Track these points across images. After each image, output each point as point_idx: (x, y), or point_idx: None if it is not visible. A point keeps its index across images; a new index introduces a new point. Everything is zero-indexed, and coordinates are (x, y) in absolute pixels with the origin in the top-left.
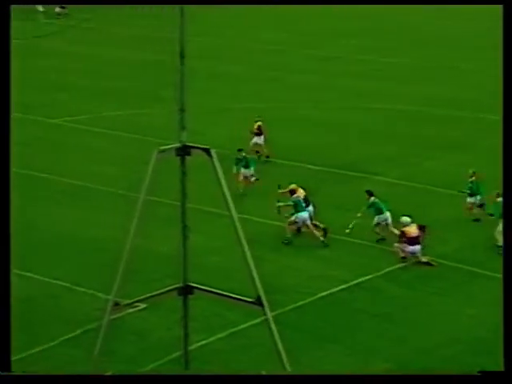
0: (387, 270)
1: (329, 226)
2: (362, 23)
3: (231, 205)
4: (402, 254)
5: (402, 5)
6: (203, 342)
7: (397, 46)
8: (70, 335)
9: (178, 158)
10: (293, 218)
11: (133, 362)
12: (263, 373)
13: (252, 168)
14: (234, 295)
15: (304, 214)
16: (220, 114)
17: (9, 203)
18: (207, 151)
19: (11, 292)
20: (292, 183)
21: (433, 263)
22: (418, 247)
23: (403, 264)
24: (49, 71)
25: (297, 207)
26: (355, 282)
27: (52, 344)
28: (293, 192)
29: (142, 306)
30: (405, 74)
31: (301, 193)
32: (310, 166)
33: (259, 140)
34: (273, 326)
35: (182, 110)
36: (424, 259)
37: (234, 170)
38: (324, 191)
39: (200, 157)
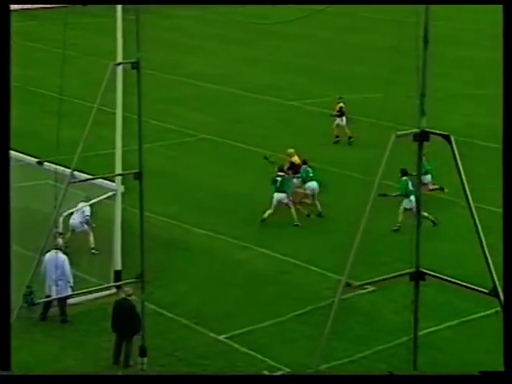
0: None
1: None
2: None
3: (468, 192)
4: None
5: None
6: (432, 329)
7: None
8: (299, 311)
9: (416, 143)
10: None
11: (361, 343)
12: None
13: (287, 191)
14: (467, 284)
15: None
16: (457, 100)
17: (8, 200)
18: (447, 138)
19: (243, 266)
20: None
21: None
22: None
23: None
24: (288, 54)
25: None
26: None
27: (282, 319)
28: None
29: (371, 288)
30: None
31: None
32: None
33: (341, 122)
34: None
35: (422, 96)
36: None
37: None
38: None
39: (437, 143)
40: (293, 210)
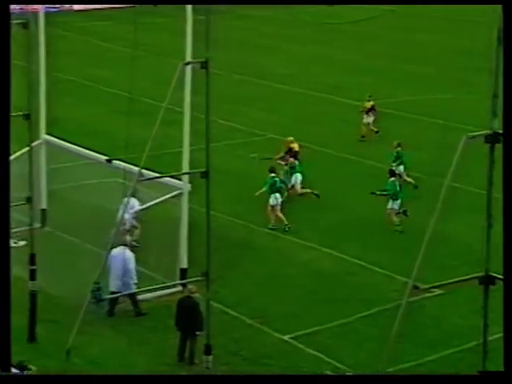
0: None
1: None
2: None
3: None
4: None
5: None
6: (502, 335)
7: None
8: (365, 313)
9: (487, 145)
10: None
11: (427, 347)
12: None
13: (280, 193)
14: None
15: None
16: None
17: (8, 198)
18: None
19: (308, 266)
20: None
21: None
22: None
23: None
24: (358, 54)
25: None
26: None
27: (347, 320)
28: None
29: (438, 291)
30: None
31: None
32: None
33: (370, 119)
34: None
35: (495, 96)
36: None
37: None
38: None
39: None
40: (272, 216)
